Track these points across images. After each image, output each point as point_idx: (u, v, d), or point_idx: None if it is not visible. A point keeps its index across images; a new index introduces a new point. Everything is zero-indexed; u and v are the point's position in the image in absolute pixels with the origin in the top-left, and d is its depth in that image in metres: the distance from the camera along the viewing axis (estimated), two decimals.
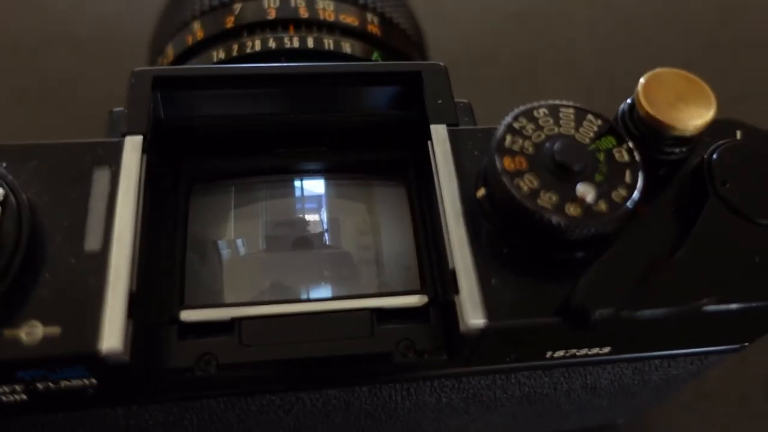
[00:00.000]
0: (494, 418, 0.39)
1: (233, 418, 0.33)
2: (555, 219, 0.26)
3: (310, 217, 0.36)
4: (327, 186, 0.37)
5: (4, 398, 0.27)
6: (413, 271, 0.34)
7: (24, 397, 0.27)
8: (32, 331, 0.25)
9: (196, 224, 0.35)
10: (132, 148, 0.30)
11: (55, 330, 0.25)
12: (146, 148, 0.30)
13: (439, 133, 0.31)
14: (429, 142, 0.32)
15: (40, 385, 0.27)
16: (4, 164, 0.28)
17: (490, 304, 0.27)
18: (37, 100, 0.58)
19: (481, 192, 0.29)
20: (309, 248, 0.35)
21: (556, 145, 0.28)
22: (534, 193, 0.27)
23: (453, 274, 0.28)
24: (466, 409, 0.36)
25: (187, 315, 0.30)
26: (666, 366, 0.35)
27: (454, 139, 0.31)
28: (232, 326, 0.30)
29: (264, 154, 0.36)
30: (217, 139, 0.35)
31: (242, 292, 0.33)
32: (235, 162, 0.36)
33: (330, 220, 0.36)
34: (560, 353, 0.31)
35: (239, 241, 0.35)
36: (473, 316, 0.26)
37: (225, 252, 0.35)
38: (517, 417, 0.39)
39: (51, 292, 0.26)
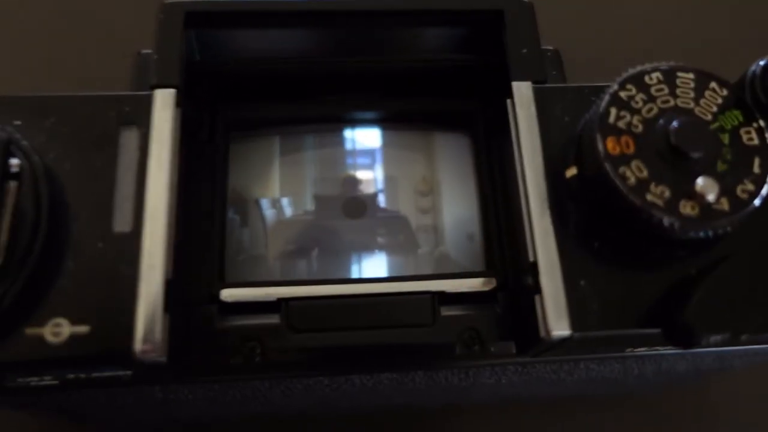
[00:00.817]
0: (551, 390, 0.36)
1: (278, 395, 0.31)
2: (667, 220, 0.22)
3: (363, 175, 0.32)
4: (383, 137, 0.32)
5: (32, 383, 0.25)
6: (476, 243, 0.30)
7: (55, 382, 0.25)
8: (58, 331, 0.22)
9: (237, 179, 0.31)
10: (163, 104, 0.25)
11: (83, 329, 0.22)
12: (180, 102, 0.26)
13: (522, 92, 0.26)
14: (509, 102, 0.27)
15: (71, 375, 0.24)
16: (16, 122, 0.24)
17: (577, 312, 0.23)
18: (55, 30, 0.47)
19: (572, 172, 0.24)
20: (362, 211, 0.31)
21: (673, 124, 0.23)
22: (642, 185, 0.22)
23: (533, 267, 0.24)
24: (526, 387, 0.34)
25: (230, 294, 0.27)
26: (751, 355, 0.31)
27: (541, 100, 0.26)
28: (279, 307, 0.27)
29: (312, 101, 0.31)
30: (259, 84, 0.30)
31: (288, 264, 0.30)
32: (280, 109, 0.31)
33: (386, 178, 0.32)
34: (642, 349, 0.27)
35: (284, 201, 0.31)
36: (557, 325, 0.23)
37: (268, 213, 0.31)
38: (574, 390, 0.36)
39: (77, 283, 0.22)
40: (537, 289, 0.24)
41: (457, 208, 0.31)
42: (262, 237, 0.30)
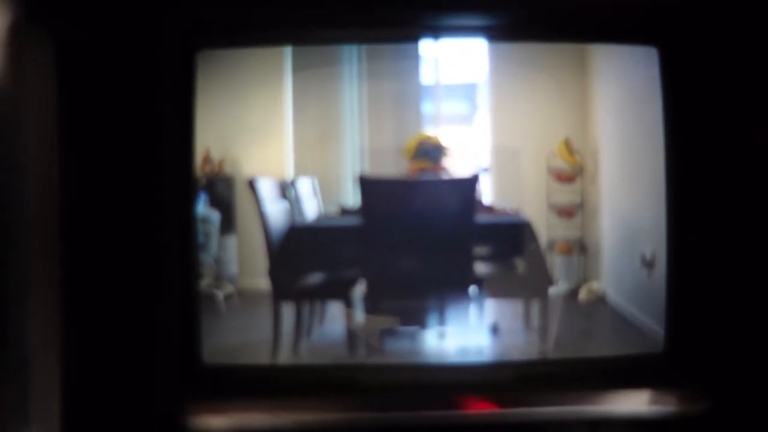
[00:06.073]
0: None
1: None
2: None
3: (452, 136, 0.18)
4: (492, 59, 0.17)
5: None
6: (656, 277, 0.17)
7: None
8: None
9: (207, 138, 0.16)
10: None
11: None
12: None
13: None
14: None
15: None
16: None
17: None
18: None
19: None
20: (447, 211, 0.17)
21: None
22: None
23: None
24: None
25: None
26: None
27: None
28: None
29: None
30: None
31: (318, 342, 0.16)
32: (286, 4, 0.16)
33: (495, 144, 0.18)
34: None
35: (303, 186, 0.17)
36: None
37: (273, 213, 0.16)
38: None
39: None
40: None
41: (626, 207, 0.16)
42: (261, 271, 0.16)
